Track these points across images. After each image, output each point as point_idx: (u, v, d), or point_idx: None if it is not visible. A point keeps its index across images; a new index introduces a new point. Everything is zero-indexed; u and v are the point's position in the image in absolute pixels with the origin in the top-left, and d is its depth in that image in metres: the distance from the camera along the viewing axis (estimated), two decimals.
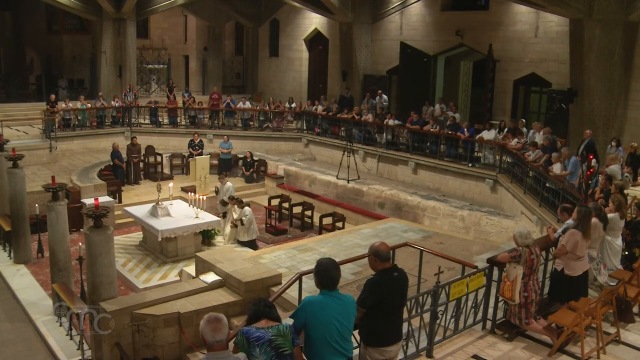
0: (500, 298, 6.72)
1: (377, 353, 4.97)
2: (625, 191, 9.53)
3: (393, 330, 5.04)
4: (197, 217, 13.52)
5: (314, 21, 25.79)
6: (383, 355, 4.98)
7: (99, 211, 8.72)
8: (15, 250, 12.75)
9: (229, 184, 15.65)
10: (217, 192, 15.95)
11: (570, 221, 7.14)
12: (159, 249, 13.47)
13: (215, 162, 19.96)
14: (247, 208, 14.22)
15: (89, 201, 13.32)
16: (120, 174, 18.20)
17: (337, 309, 4.42)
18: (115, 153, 18.25)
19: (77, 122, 21.19)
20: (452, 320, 6.76)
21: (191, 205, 14.09)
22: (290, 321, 4.41)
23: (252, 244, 14.01)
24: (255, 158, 20.13)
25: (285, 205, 16.78)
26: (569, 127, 15.80)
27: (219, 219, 14.12)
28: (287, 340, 4.13)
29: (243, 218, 13.98)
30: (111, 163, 18.53)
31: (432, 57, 21.07)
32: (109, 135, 21.59)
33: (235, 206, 14.34)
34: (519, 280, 6.35)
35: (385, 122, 18.84)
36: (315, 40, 26.35)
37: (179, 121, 22.67)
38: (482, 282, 6.80)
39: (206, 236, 13.91)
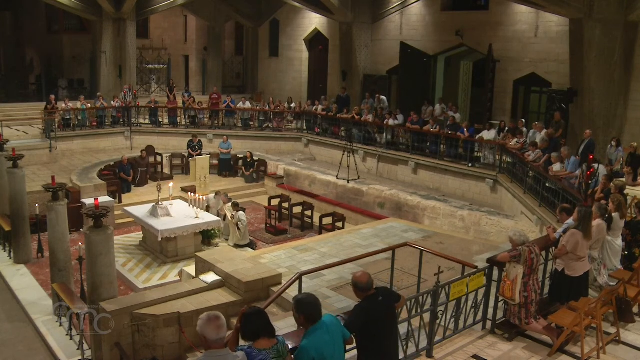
0: (500, 298, 6.73)
1: None
2: (625, 191, 9.53)
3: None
4: (197, 217, 13.53)
5: (314, 21, 25.78)
6: None
7: (99, 211, 8.75)
8: (15, 250, 12.76)
9: (221, 201, 15.12)
10: (207, 208, 14.90)
11: (570, 221, 7.13)
12: (159, 249, 13.47)
13: (215, 162, 19.97)
14: (241, 213, 14.17)
15: (89, 201, 13.31)
16: (127, 186, 18.03)
17: (330, 334, 4.23)
18: (122, 166, 18.08)
19: (77, 122, 21.16)
20: (452, 320, 6.77)
21: (191, 205, 14.09)
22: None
23: (249, 247, 13.97)
24: (255, 158, 20.13)
25: (285, 205, 16.78)
26: (568, 127, 15.78)
27: (219, 218, 14.11)
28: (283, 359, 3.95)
29: (239, 224, 13.92)
30: (111, 163, 18.51)
31: (432, 57, 21.07)
32: (109, 135, 21.64)
33: (230, 205, 14.33)
34: (519, 280, 6.35)
35: (385, 122, 18.85)
36: (315, 40, 26.34)
37: (179, 121, 22.66)
38: (482, 282, 6.81)
39: (206, 236, 13.91)
